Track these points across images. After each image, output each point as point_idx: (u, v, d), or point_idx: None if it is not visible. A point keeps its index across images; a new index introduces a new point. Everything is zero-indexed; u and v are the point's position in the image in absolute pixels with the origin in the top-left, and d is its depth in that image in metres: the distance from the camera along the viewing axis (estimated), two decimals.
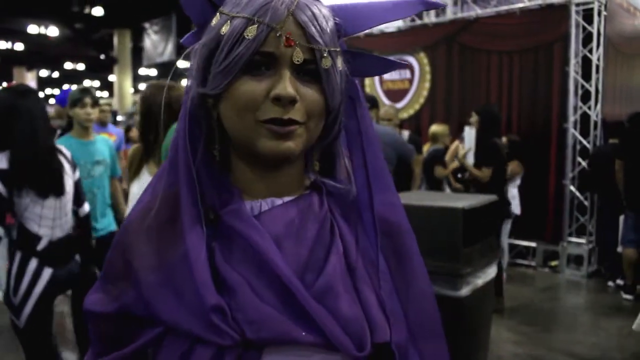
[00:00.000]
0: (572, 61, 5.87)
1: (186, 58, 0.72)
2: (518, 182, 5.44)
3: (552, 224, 6.07)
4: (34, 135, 2.34)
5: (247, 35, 0.62)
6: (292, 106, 0.63)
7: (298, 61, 0.63)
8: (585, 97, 5.95)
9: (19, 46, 18.12)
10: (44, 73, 23.75)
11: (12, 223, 2.38)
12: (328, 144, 0.72)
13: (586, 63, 5.95)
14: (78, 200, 2.59)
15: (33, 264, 2.34)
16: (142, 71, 20.46)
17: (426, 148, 5.74)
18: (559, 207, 6.00)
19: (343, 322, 0.63)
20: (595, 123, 5.95)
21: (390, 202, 0.75)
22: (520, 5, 6.15)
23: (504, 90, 6.37)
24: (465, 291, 2.64)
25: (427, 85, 7.11)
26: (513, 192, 5.36)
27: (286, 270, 0.63)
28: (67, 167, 2.50)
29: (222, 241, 0.67)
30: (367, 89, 7.49)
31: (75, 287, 2.62)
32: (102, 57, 18.21)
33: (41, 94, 25.49)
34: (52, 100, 20.86)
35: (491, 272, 2.98)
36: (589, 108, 5.92)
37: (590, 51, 5.90)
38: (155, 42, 14.50)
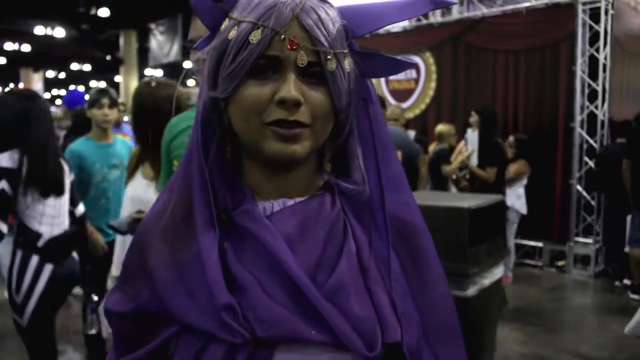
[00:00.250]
0: (579, 60, 5.85)
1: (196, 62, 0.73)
2: (525, 181, 5.42)
3: (558, 224, 6.05)
4: (47, 137, 2.42)
5: (252, 40, 0.63)
6: (297, 109, 0.64)
7: (302, 64, 0.64)
8: (592, 96, 5.93)
9: (26, 47, 18.22)
10: (50, 74, 23.86)
11: (12, 223, 2.41)
12: (340, 144, 0.73)
13: (593, 62, 5.92)
14: (73, 201, 2.63)
15: (34, 260, 2.37)
16: (148, 72, 20.49)
17: (432, 148, 5.74)
18: (566, 207, 5.98)
19: (354, 321, 0.63)
20: (602, 122, 5.93)
21: (404, 201, 0.74)
22: (527, 4, 6.13)
23: (510, 89, 6.35)
24: (471, 291, 2.64)
25: (433, 85, 7.10)
26: (519, 192, 5.36)
27: (297, 270, 0.64)
28: (66, 168, 2.56)
29: (234, 241, 0.67)
30: None
31: (74, 286, 2.67)
32: (108, 57, 18.26)
33: (48, 95, 25.77)
34: (58, 101, 20.94)
35: (498, 272, 2.98)
36: (596, 107, 5.89)
37: (597, 50, 5.87)
38: (161, 43, 14.53)
